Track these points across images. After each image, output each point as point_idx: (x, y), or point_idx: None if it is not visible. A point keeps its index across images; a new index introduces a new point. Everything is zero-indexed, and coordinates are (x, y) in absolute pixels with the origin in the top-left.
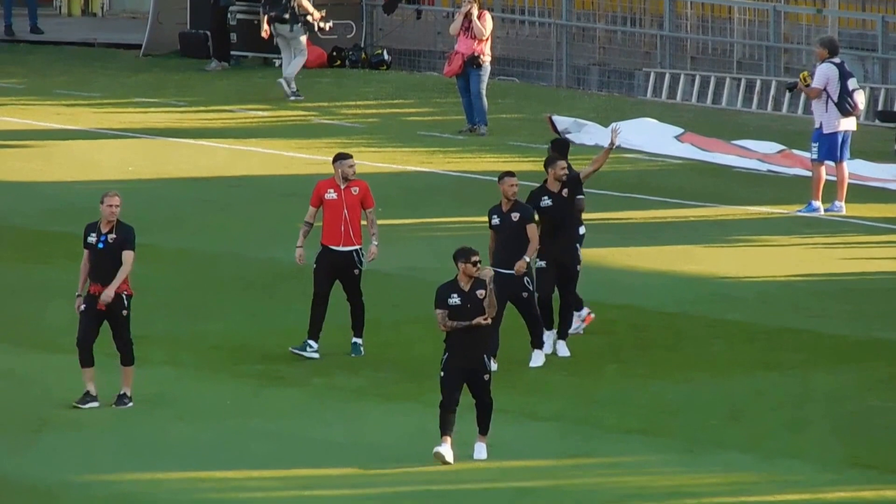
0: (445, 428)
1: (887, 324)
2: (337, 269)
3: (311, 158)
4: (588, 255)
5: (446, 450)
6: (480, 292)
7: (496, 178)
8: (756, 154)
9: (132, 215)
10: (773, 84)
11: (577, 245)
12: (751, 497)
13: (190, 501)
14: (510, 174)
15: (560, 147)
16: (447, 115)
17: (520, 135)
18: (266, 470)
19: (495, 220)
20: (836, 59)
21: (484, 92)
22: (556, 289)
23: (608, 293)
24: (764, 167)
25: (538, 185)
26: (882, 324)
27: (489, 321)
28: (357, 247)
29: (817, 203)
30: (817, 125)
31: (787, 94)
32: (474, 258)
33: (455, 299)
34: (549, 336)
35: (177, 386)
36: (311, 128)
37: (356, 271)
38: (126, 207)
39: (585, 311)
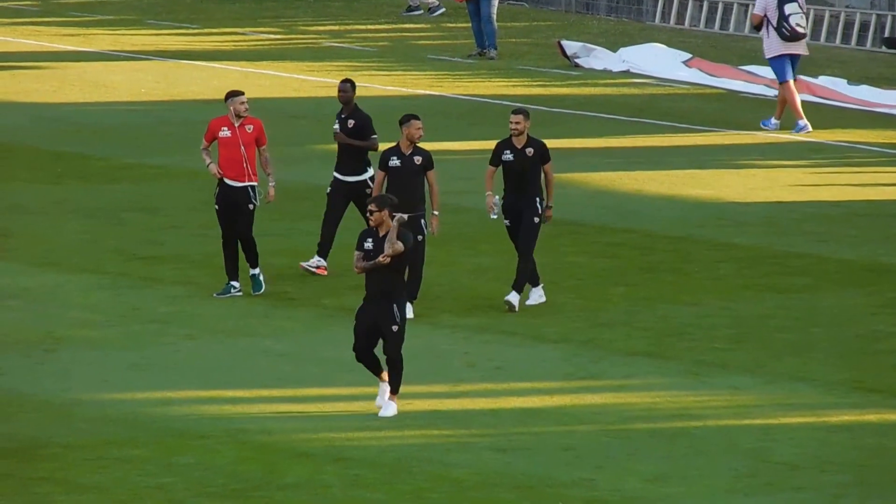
0: (374, 371)
1: (893, 249)
2: (232, 204)
3: (321, 81)
4: (595, 179)
5: (378, 399)
6: (396, 245)
7: (507, 102)
8: (763, 80)
9: (143, 136)
10: None
11: (538, 199)
12: (755, 419)
13: (201, 419)
14: (415, 117)
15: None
16: (457, 38)
17: (529, 59)
18: (276, 388)
19: (394, 162)
20: None
21: (494, 16)
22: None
23: (615, 217)
24: (771, 92)
25: (503, 139)
26: (887, 249)
27: (387, 260)
28: (253, 183)
29: (802, 122)
30: (765, 55)
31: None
32: (371, 207)
33: (369, 243)
34: (537, 290)
35: (188, 305)
36: (322, 51)
37: (250, 206)
38: (138, 128)
39: None
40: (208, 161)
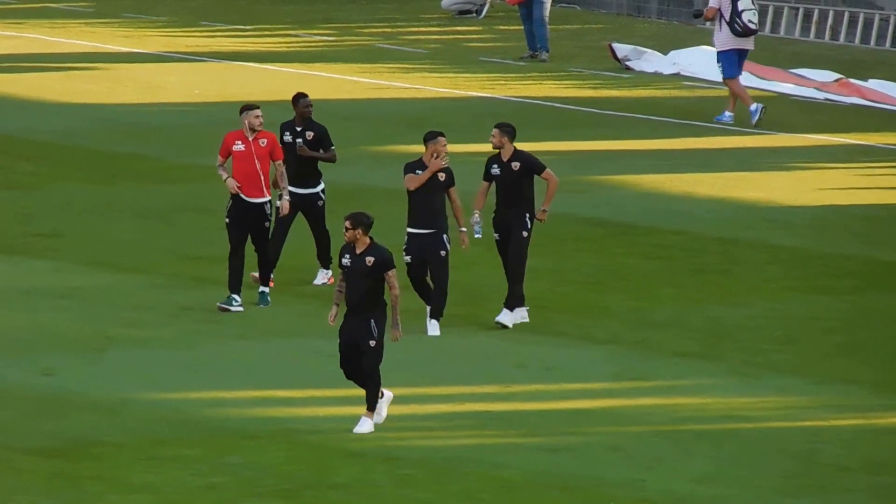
0: (362, 387)
1: None
2: (248, 220)
3: (374, 83)
4: (645, 181)
5: (366, 425)
6: (370, 259)
7: (558, 104)
8: (813, 82)
9: (196, 137)
10: (831, 13)
11: (527, 214)
12: (804, 421)
13: (251, 419)
14: (441, 134)
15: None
16: (508, 41)
17: (580, 61)
18: (327, 389)
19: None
20: None
21: (546, 19)
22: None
23: (664, 219)
24: (821, 95)
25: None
26: None
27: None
28: (268, 198)
29: (754, 105)
30: (716, 47)
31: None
32: (345, 224)
33: (347, 260)
34: (520, 310)
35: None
36: (374, 52)
37: (266, 224)
38: (191, 129)
39: None
40: (225, 176)
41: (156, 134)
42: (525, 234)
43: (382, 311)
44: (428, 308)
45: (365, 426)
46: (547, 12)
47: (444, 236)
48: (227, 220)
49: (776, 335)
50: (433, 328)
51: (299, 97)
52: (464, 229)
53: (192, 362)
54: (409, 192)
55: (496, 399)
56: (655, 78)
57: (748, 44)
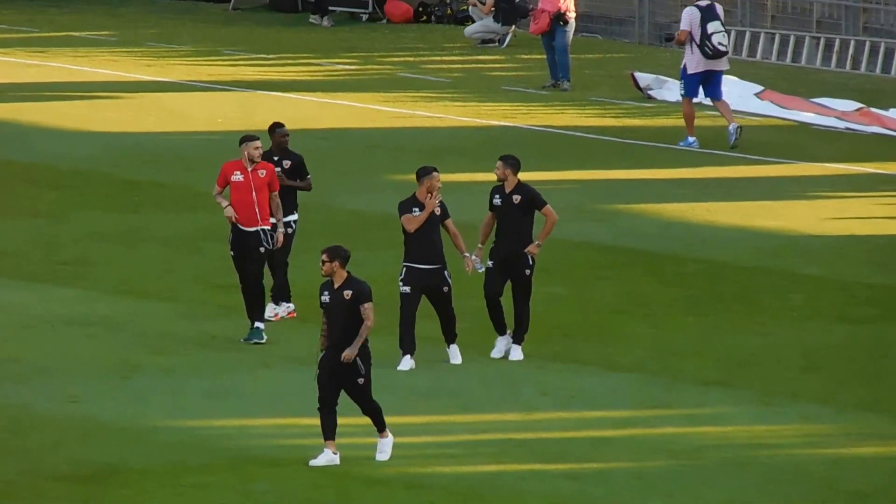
0: (325, 432)
1: None
2: (245, 248)
3: (397, 112)
4: (667, 209)
5: (326, 457)
6: (347, 293)
7: (580, 133)
8: (834, 112)
9: (221, 164)
10: (852, 43)
11: (526, 254)
12: (826, 449)
13: (276, 446)
14: (435, 169)
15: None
16: (531, 70)
17: (602, 90)
18: (350, 416)
19: (416, 214)
20: (702, 3)
21: (569, 47)
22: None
23: (687, 247)
24: (842, 125)
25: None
26: None
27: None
28: (265, 227)
29: (692, 138)
30: (682, 65)
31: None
32: (322, 256)
33: (326, 296)
34: (502, 340)
35: (264, 333)
36: (397, 81)
37: (261, 249)
38: (215, 157)
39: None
40: (224, 204)
41: (180, 162)
42: (528, 272)
43: (367, 347)
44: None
45: (384, 449)
46: (569, 41)
47: (446, 272)
48: (231, 253)
49: (798, 363)
50: (455, 355)
51: (276, 127)
52: (467, 254)
53: (216, 390)
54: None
55: (519, 427)
56: (677, 107)
57: (722, 65)
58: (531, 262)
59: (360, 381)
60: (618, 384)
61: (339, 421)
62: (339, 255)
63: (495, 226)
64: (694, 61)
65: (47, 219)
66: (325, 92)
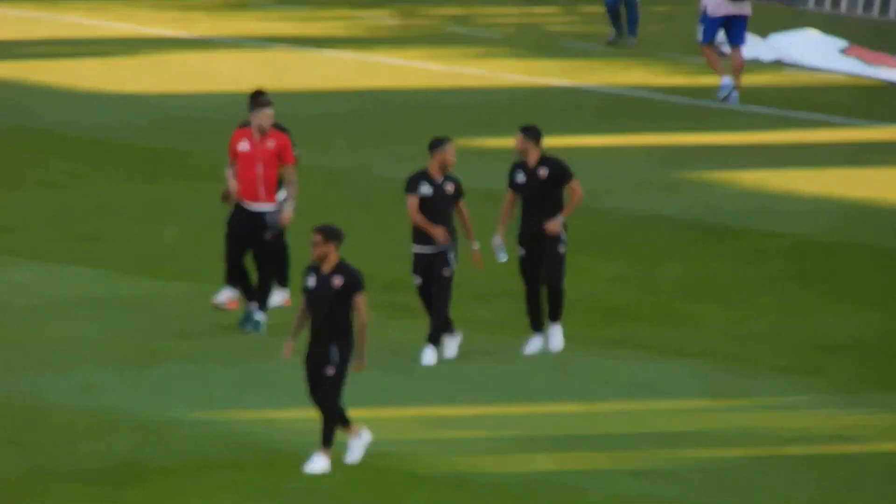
0: (341, 424)
1: None
2: (247, 230)
3: (445, 70)
4: (742, 178)
5: (358, 444)
6: (338, 280)
7: (647, 94)
8: None
9: None
10: None
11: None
12: None
13: (310, 442)
14: (449, 140)
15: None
16: (593, 23)
17: (671, 46)
18: (392, 406)
19: (426, 190)
20: None
21: (638, 1)
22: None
23: (763, 220)
24: None
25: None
26: None
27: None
28: (269, 207)
29: (727, 78)
30: (702, 7)
31: None
32: (315, 237)
33: (312, 281)
34: (537, 339)
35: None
36: (445, 36)
37: (267, 235)
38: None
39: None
40: (231, 177)
41: (205, 128)
42: (562, 248)
43: (348, 338)
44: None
45: (317, 464)
46: None
47: (452, 254)
48: (226, 230)
49: (887, 349)
50: (429, 356)
51: (257, 96)
52: (476, 247)
53: (243, 379)
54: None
55: (578, 419)
56: (754, 65)
57: (744, 8)
58: (564, 239)
59: (330, 371)
60: (687, 372)
61: (378, 411)
62: (335, 235)
63: (520, 207)
64: (714, 3)
65: (58, 190)
66: (364, 48)
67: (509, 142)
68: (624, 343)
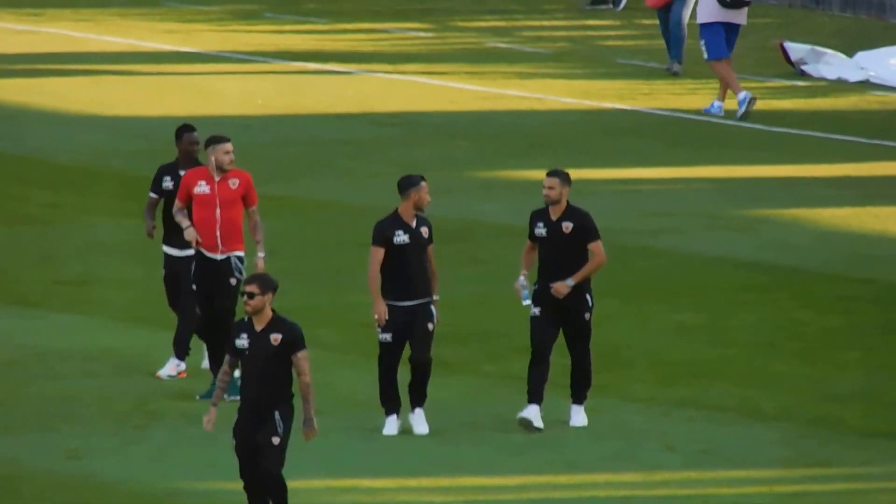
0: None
1: None
2: (209, 281)
3: (483, 91)
4: (825, 216)
5: None
6: (275, 337)
7: (715, 119)
8: None
9: (260, 158)
10: None
11: (587, 292)
12: None
13: None
14: (422, 178)
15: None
16: (653, 38)
17: (743, 64)
18: (425, 476)
19: (401, 238)
20: None
21: (685, 21)
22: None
23: (849, 264)
24: None
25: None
26: None
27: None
28: (236, 253)
29: (743, 94)
30: (698, 19)
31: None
32: (250, 288)
33: (244, 340)
34: (533, 408)
35: (315, 372)
36: (484, 53)
37: (232, 280)
38: (254, 148)
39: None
40: (186, 223)
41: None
42: (588, 315)
43: (290, 404)
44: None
45: None
46: (687, 14)
47: (433, 306)
48: (192, 285)
49: None
50: (420, 421)
51: (183, 130)
52: (437, 297)
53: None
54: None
55: (639, 489)
56: (838, 86)
57: (740, 17)
58: (590, 304)
59: (275, 440)
60: (763, 436)
61: (411, 482)
62: (272, 286)
63: (538, 260)
64: (707, 9)
65: (42, 226)
66: (393, 65)
67: None
68: (690, 403)
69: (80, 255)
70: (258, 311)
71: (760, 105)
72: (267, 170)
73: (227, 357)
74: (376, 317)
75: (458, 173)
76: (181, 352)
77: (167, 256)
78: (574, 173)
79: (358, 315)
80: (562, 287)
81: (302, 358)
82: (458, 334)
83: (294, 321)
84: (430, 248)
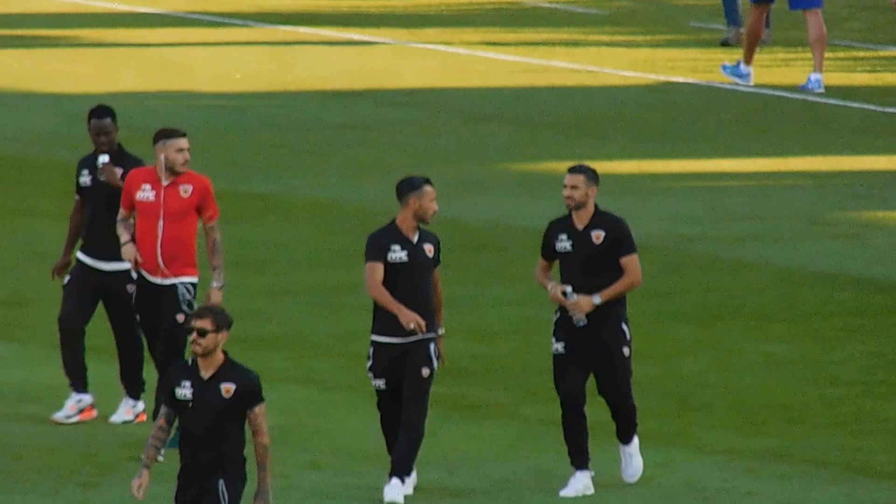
0: None
1: None
2: (152, 310)
3: (520, 61)
4: None
5: None
6: (228, 387)
7: (813, 97)
8: None
9: (239, 148)
10: None
11: (622, 320)
12: None
13: None
14: (427, 181)
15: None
16: None
17: (849, 28)
18: None
19: (397, 255)
20: None
21: None
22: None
23: None
24: None
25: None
26: None
27: None
28: (186, 279)
29: (745, 67)
30: None
31: None
32: (200, 323)
33: (186, 389)
34: (581, 477)
35: (310, 414)
36: (521, 14)
37: (179, 316)
38: (229, 134)
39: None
40: (125, 238)
41: None
42: (626, 350)
43: (240, 467)
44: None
45: None
46: None
47: (432, 346)
48: (136, 314)
49: None
50: (393, 491)
51: (91, 115)
52: (442, 330)
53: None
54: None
55: None
56: None
57: None
58: (627, 335)
59: None
60: (873, 497)
61: None
62: (226, 322)
63: (561, 281)
64: None
65: None
66: (408, 30)
67: (611, 164)
68: (782, 457)
69: (14, 267)
70: (208, 353)
71: (871, 79)
72: (248, 163)
73: (162, 408)
74: (412, 325)
75: (489, 166)
76: (133, 389)
77: (85, 267)
78: (636, 166)
79: (361, 345)
80: (585, 303)
81: (259, 414)
82: (490, 369)
83: (250, 368)
84: (437, 270)
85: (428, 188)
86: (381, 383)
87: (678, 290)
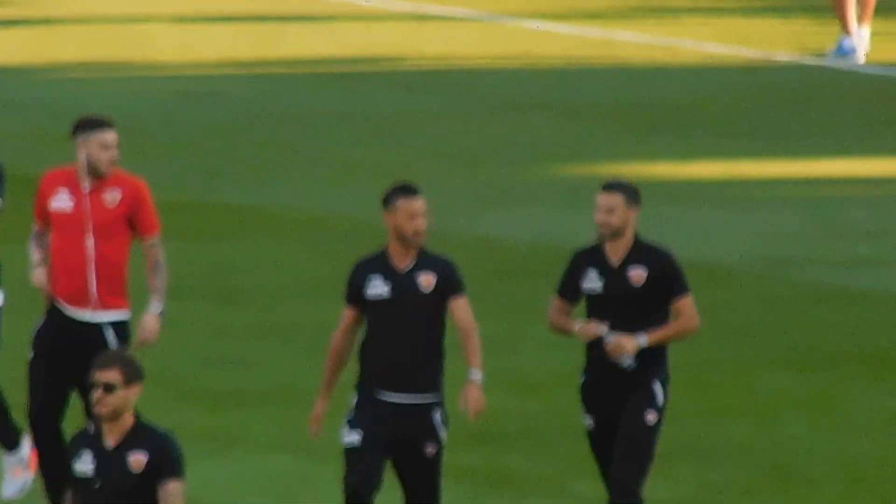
0: None
1: None
2: (71, 351)
3: (573, 34)
4: None
5: None
6: (138, 459)
7: None
8: None
9: (213, 143)
10: None
11: (657, 377)
12: None
13: None
14: (414, 190)
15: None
16: None
17: None
18: None
19: (377, 290)
20: None
21: None
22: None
23: None
24: None
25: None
26: None
27: None
28: (115, 316)
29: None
30: None
31: None
32: (108, 376)
33: (87, 464)
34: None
35: (301, 493)
36: None
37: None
38: (200, 129)
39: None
40: (36, 257)
41: (129, 135)
42: (652, 417)
43: None
44: None
45: None
46: None
47: (439, 412)
48: (31, 351)
49: None
50: None
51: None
52: (477, 377)
53: None
54: (367, 318)
55: None
56: None
57: None
58: (660, 399)
59: None
60: None
61: None
62: (138, 375)
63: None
64: None
65: None
66: None
67: (691, 168)
68: None
69: None
70: (115, 417)
71: None
72: (221, 165)
73: (67, 491)
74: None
75: (531, 168)
76: (10, 439)
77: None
78: (722, 169)
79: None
80: (629, 343)
81: (173, 492)
82: (531, 431)
83: (166, 431)
84: (458, 302)
85: (402, 202)
86: (356, 438)
87: (775, 329)
